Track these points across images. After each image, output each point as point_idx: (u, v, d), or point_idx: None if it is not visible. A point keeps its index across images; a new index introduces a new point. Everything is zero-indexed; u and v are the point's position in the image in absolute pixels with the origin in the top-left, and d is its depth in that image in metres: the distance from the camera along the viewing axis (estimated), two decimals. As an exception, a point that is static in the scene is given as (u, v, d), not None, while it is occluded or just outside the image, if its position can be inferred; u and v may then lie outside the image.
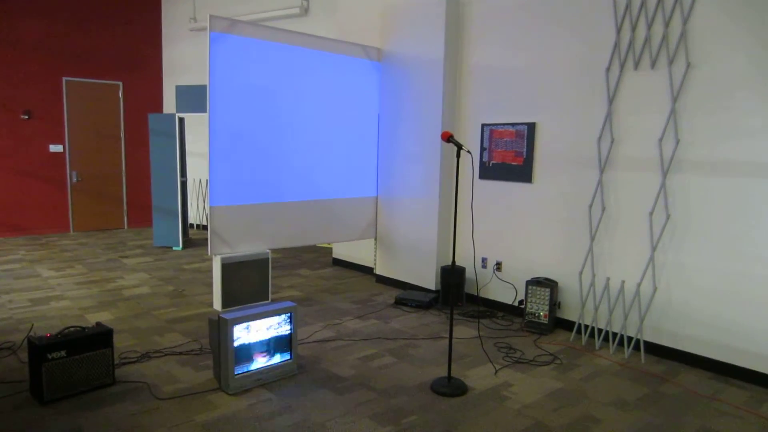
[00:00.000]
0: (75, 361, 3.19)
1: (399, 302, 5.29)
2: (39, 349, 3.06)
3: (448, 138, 3.50)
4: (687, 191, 3.91)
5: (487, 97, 5.16)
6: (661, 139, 4.01)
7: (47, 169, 8.80)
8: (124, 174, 9.57)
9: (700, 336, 3.91)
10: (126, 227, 9.66)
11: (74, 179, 9.04)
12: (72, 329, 3.28)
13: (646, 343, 4.16)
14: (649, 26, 4.02)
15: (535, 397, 3.40)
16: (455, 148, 3.45)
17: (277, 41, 5.01)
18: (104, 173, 9.37)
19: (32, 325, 4.40)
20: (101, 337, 3.31)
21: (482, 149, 5.22)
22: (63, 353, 3.15)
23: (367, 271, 6.51)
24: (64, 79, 8.84)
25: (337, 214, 5.76)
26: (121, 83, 9.43)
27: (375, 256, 6.24)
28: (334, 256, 7.03)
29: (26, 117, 8.52)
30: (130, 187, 9.64)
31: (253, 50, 4.85)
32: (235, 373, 3.30)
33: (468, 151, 3.51)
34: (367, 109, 5.89)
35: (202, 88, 7.12)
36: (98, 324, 3.43)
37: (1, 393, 3.23)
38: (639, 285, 4.17)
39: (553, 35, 4.63)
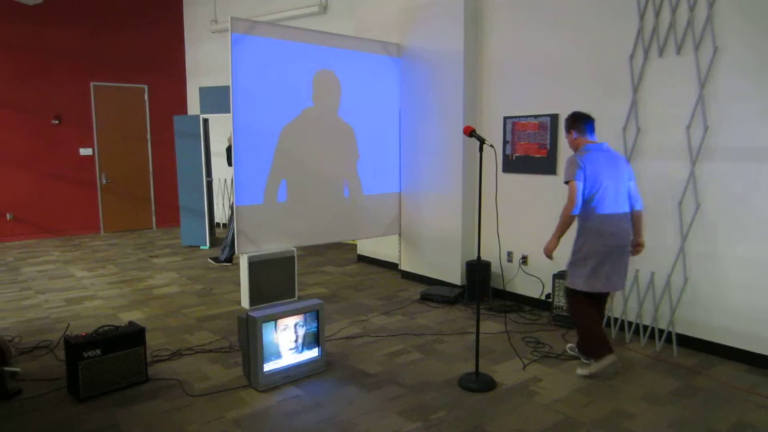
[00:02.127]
0: (110, 359, 3.27)
1: (424, 298, 5.29)
2: (75, 347, 3.15)
3: (470, 132, 3.48)
4: (717, 179, 3.82)
5: (509, 89, 5.11)
6: (689, 127, 3.92)
7: (78, 171, 9.02)
8: (151, 175, 9.76)
9: (735, 327, 3.82)
10: (154, 227, 9.85)
11: (104, 181, 9.24)
12: (106, 328, 3.36)
13: (678, 335, 4.08)
14: (674, 11, 3.93)
15: (565, 391, 3.37)
16: (478, 142, 3.43)
17: (297, 41, 5.04)
18: (132, 175, 9.57)
19: (68, 324, 4.51)
20: (134, 335, 3.38)
21: (505, 142, 5.17)
22: (98, 351, 3.22)
23: (392, 267, 6.52)
24: (92, 83, 9.04)
25: (361, 211, 5.77)
26: (146, 86, 9.60)
27: (399, 252, 6.24)
28: (358, 252, 7.06)
29: (57, 122, 8.74)
30: (158, 187, 9.82)
31: (274, 50, 4.89)
32: (264, 370, 3.34)
33: (491, 145, 3.49)
34: (389, 106, 5.88)
35: (225, 89, 7.19)
36: (131, 323, 3.51)
37: (40, 390, 3.33)
38: (669, 276, 4.09)
39: (574, 24, 4.56)
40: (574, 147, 3.65)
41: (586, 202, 3.47)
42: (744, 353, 3.79)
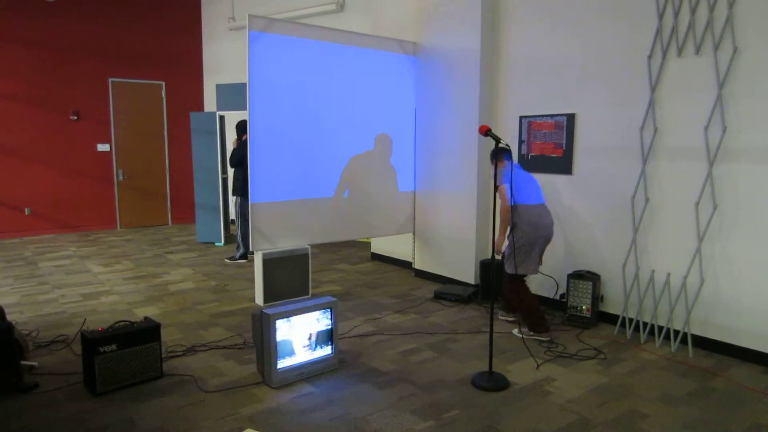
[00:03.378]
0: (125, 354, 3.31)
1: (438, 296, 5.28)
2: (91, 342, 3.19)
3: (486, 132, 3.47)
4: (735, 180, 3.77)
5: (525, 88, 5.08)
6: (707, 127, 3.87)
7: (95, 167, 9.12)
8: (167, 171, 9.84)
9: (752, 329, 3.78)
10: (170, 223, 9.94)
11: (120, 177, 9.34)
12: (122, 323, 3.40)
13: (693, 336, 4.04)
14: (693, 11, 3.88)
15: (579, 391, 3.35)
16: (493, 142, 3.42)
17: (314, 38, 5.05)
18: (149, 171, 9.66)
19: (85, 319, 4.58)
20: (149, 331, 3.42)
21: (521, 141, 5.15)
22: (114, 347, 3.26)
23: (406, 265, 6.52)
24: (110, 80, 9.13)
25: (375, 209, 5.78)
26: (163, 83, 9.68)
27: (413, 250, 6.24)
28: (372, 250, 7.06)
29: (75, 118, 8.85)
30: (174, 184, 9.91)
31: (290, 48, 4.91)
32: (278, 367, 3.36)
33: (506, 145, 3.47)
34: (404, 104, 5.88)
35: (241, 86, 7.24)
36: (146, 318, 3.55)
37: (57, 384, 3.38)
38: (685, 277, 4.05)
39: (592, 23, 4.52)
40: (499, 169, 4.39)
41: (518, 203, 4.15)
42: (760, 355, 3.74)
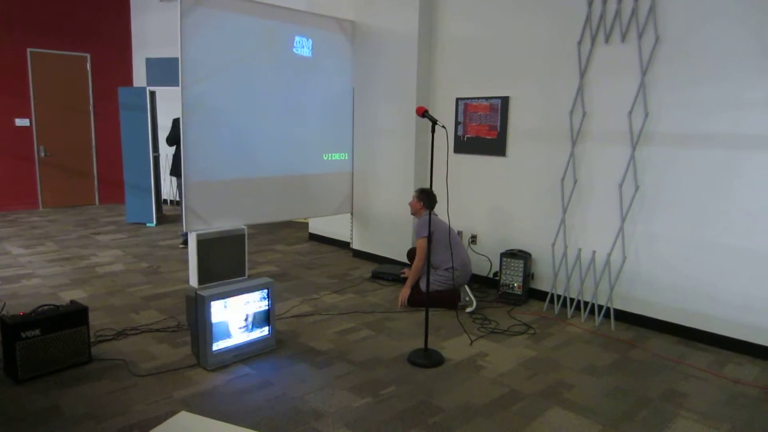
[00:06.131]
0: (50, 339, 3.17)
1: (375, 276, 5.33)
2: (12, 327, 3.03)
3: (422, 113, 3.51)
4: (655, 163, 3.99)
5: (462, 70, 5.16)
6: (630, 112, 4.07)
7: (13, 143, 8.56)
8: (94, 149, 9.37)
9: (668, 303, 4.05)
10: (97, 203, 9.49)
11: (42, 154, 8.81)
12: (46, 307, 3.24)
13: (615, 310, 4.28)
14: (621, -1, 4.04)
15: (510, 365, 3.49)
16: (430, 123, 3.46)
17: (250, 14, 4.90)
18: (74, 148, 9.16)
19: (4, 303, 4.33)
20: (76, 315, 3.28)
21: (457, 123, 5.23)
22: (37, 332, 3.11)
23: (344, 245, 6.54)
24: (28, 50, 8.54)
25: (313, 189, 5.74)
26: (89, 55, 9.16)
27: (351, 230, 6.26)
28: (310, 231, 7.03)
29: (-11, 91, 8.24)
30: (101, 162, 9.45)
31: (225, 22, 4.75)
32: (213, 349, 3.31)
33: (443, 126, 3.53)
34: (342, 83, 5.82)
35: (173, 61, 6.95)
36: (73, 302, 3.40)
37: (-26, 373, 3.20)
38: (609, 255, 4.27)
39: (526, 8, 4.62)
40: (418, 209, 4.64)
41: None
42: (675, 326, 4.02)
